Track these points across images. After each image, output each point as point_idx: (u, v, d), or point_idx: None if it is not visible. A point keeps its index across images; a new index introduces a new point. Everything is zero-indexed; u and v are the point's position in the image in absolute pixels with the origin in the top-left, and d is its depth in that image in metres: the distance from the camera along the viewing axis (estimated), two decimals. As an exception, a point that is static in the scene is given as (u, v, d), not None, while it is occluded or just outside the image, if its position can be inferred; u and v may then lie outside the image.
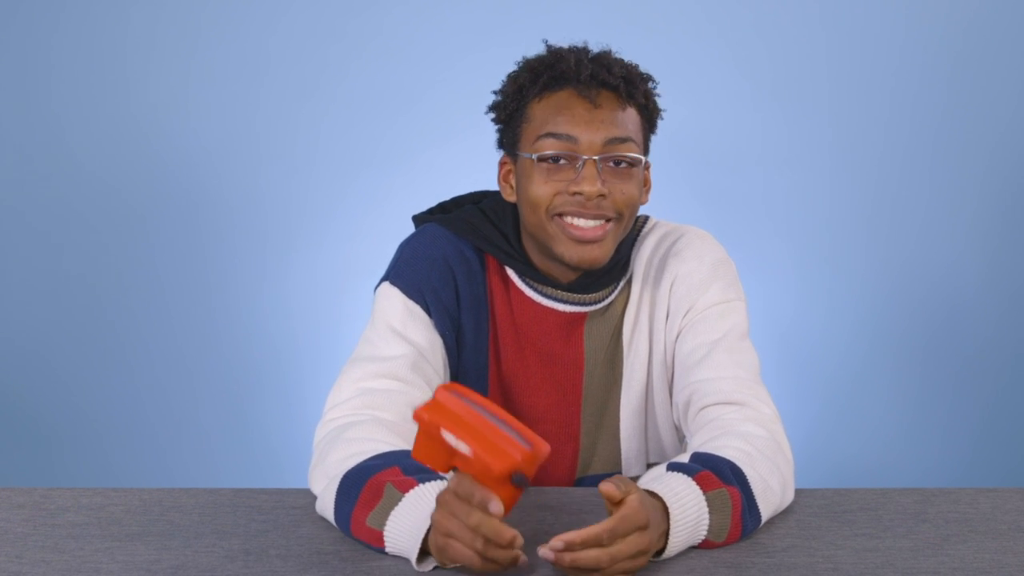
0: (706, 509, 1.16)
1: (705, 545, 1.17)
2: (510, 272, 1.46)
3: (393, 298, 1.41)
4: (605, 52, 1.43)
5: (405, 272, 1.42)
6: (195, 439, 3.11)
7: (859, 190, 3.10)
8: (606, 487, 1.08)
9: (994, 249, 3.10)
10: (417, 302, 1.41)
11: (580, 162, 1.35)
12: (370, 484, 1.16)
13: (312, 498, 1.28)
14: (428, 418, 1.06)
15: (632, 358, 1.47)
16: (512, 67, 1.44)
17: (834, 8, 3.06)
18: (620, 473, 1.51)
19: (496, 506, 1.04)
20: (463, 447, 1.04)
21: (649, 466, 1.52)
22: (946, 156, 3.09)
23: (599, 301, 1.45)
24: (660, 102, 1.44)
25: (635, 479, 1.50)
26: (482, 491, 1.04)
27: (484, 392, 1.47)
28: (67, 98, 3.08)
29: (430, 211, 1.53)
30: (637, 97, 1.39)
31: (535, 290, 1.44)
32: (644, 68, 1.43)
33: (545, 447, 1.06)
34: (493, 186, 1.51)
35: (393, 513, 1.12)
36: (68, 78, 3.08)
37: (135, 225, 3.10)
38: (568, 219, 1.36)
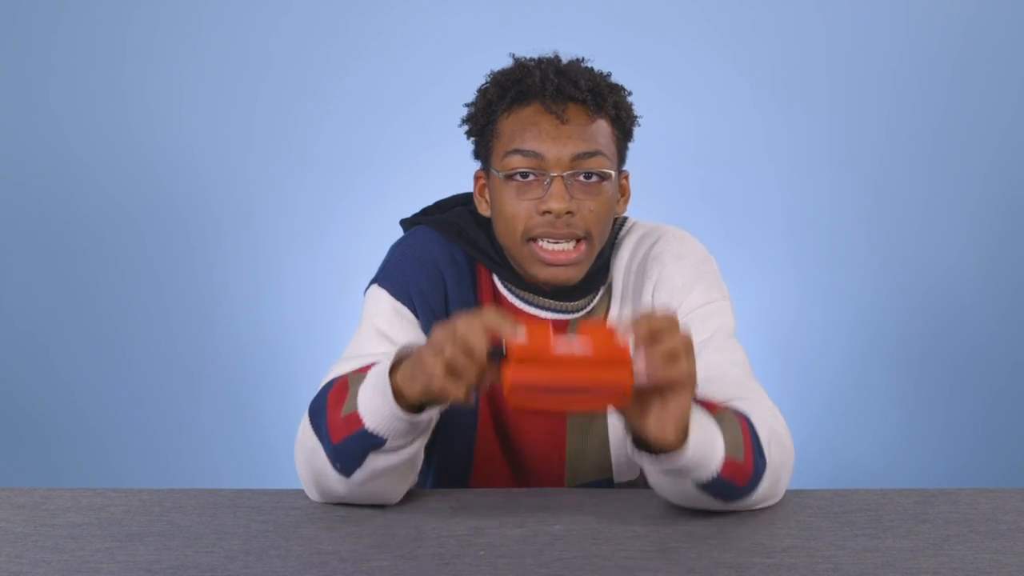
0: (715, 423, 1.16)
1: (729, 468, 1.16)
2: (495, 278, 1.45)
3: (381, 300, 1.42)
4: (574, 62, 1.41)
5: (394, 274, 1.43)
6: (195, 439, 3.11)
7: (859, 190, 3.09)
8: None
9: (994, 250, 3.10)
10: (404, 303, 1.41)
11: (548, 179, 1.34)
12: (334, 389, 1.19)
13: (311, 500, 1.28)
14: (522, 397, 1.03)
15: None
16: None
17: (834, 8, 3.06)
18: (611, 480, 1.50)
19: (520, 333, 1.03)
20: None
21: (642, 471, 1.51)
22: (946, 156, 3.08)
23: (581, 309, 1.45)
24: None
25: (629, 484, 1.49)
26: (510, 321, 1.04)
27: (473, 399, 1.46)
28: (66, 98, 3.08)
29: (415, 216, 1.53)
30: (606, 109, 1.37)
31: (518, 296, 1.44)
32: (616, 78, 1.41)
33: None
34: (485, 191, 1.50)
35: (361, 388, 1.14)
36: (67, 79, 3.07)
37: (134, 225, 3.10)
38: (540, 242, 1.36)
